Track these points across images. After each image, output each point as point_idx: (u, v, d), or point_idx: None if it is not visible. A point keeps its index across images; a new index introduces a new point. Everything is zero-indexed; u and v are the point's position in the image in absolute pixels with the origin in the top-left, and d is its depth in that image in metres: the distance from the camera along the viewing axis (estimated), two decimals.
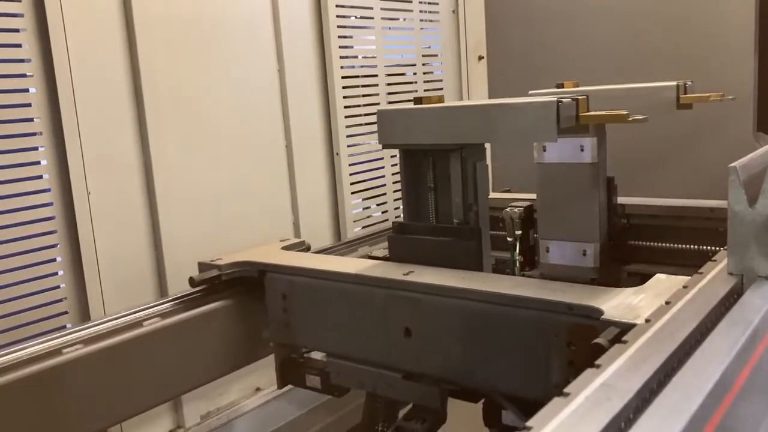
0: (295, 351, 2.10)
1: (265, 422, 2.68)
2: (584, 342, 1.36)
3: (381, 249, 2.35)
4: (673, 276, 1.54)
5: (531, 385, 1.54)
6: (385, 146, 1.94)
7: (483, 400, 1.76)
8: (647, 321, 1.17)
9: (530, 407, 0.99)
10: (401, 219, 1.97)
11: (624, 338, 1.10)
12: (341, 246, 2.47)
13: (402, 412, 1.88)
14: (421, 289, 1.70)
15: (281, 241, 2.25)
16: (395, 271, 1.78)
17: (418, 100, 1.86)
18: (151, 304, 1.88)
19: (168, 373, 1.85)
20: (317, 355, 2.07)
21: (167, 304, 1.90)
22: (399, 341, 1.74)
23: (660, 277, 1.55)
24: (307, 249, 2.28)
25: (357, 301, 1.82)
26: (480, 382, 1.67)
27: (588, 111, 1.61)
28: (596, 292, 1.50)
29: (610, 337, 1.27)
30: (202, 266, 2.03)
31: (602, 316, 1.36)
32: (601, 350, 1.16)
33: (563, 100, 1.54)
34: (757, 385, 1.08)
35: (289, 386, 2.73)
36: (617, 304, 1.41)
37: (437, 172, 1.88)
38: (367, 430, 2.07)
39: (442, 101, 1.89)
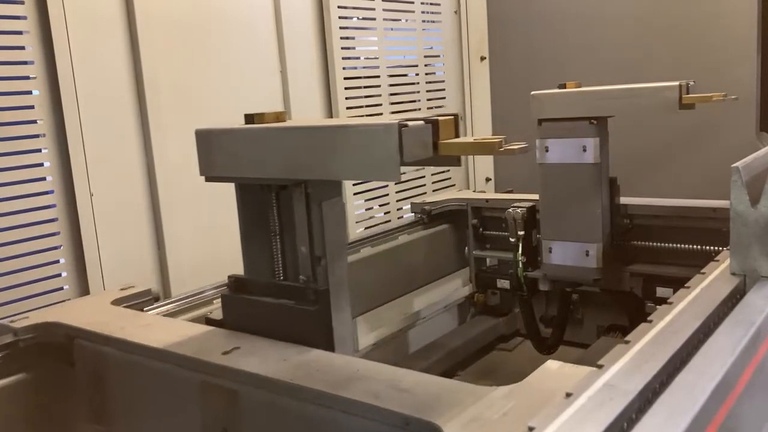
0: None
1: None
2: None
3: None
4: (568, 364, 1.13)
5: None
6: (208, 179, 1.40)
7: None
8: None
9: None
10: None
11: (626, 338, 1.10)
12: (207, 291, 1.96)
13: None
14: (238, 378, 1.27)
15: (122, 290, 1.84)
16: (215, 348, 1.34)
17: (249, 118, 1.34)
18: None
19: None
20: None
21: None
22: None
23: (550, 367, 1.14)
24: (155, 299, 1.88)
25: (170, 386, 1.39)
26: None
27: (457, 136, 1.14)
28: (453, 396, 1.08)
29: None
30: None
31: None
32: None
33: (409, 123, 1.08)
34: (760, 385, 1.08)
35: None
36: (469, 419, 0.99)
37: (282, 212, 1.40)
38: None
39: (283, 118, 1.35)
